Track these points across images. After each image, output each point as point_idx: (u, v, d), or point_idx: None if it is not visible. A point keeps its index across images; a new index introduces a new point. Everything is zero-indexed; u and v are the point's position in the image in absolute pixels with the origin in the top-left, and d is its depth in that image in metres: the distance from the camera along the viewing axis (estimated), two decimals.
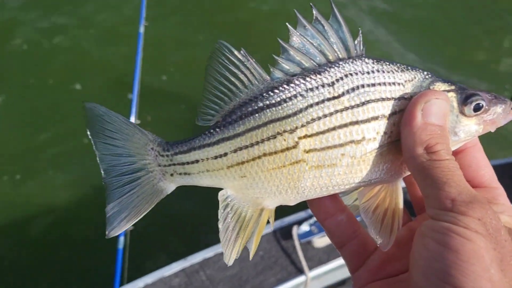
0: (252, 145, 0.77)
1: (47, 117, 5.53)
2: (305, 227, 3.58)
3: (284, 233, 3.61)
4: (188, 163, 0.80)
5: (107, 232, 0.83)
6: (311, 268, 3.52)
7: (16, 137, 5.37)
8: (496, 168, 0.85)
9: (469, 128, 0.79)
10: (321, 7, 0.79)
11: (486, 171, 0.81)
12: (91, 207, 4.89)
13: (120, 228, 0.83)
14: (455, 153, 0.81)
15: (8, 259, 4.54)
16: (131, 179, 0.82)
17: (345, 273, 3.72)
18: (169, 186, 0.83)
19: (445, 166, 0.71)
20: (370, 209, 0.79)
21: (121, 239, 3.28)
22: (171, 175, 0.81)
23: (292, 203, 0.81)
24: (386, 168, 0.79)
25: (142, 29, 3.99)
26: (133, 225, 3.39)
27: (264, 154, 0.77)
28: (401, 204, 0.81)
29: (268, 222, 0.82)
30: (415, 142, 0.73)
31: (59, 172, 5.12)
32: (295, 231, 3.56)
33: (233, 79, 0.77)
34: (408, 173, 0.81)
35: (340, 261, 3.64)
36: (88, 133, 0.84)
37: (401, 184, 0.84)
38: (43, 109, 5.60)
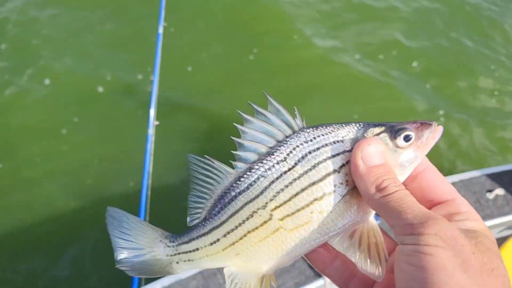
0: (236, 227, 0.93)
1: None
2: None
3: None
4: (190, 251, 0.98)
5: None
6: None
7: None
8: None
9: (409, 157, 0.91)
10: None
11: (443, 187, 0.92)
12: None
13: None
14: (411, 179, 0.94)
15: (24, 262, 4.58)
16: (143, 267, 1.00)
17: None
18: (175, 271, 1.00)
19: (396, 197, 0.83)
20: (354, 249, 0.91)
21: None
22: (177, 263, 0.99)
23: (288, 264, 0.95)
24: (354, 211, 0.91)
25: (161, 30, 4.00)
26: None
27: (248, 232, 0.92)
28: (380, 236, 0.92)
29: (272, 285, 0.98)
30: (366, 186, 0.86)
31: (72, 175, 5.16)
32: None
33: (207, 179, 0.95)
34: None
35: None
36: (108, 230, 1.01)
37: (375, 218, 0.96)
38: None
